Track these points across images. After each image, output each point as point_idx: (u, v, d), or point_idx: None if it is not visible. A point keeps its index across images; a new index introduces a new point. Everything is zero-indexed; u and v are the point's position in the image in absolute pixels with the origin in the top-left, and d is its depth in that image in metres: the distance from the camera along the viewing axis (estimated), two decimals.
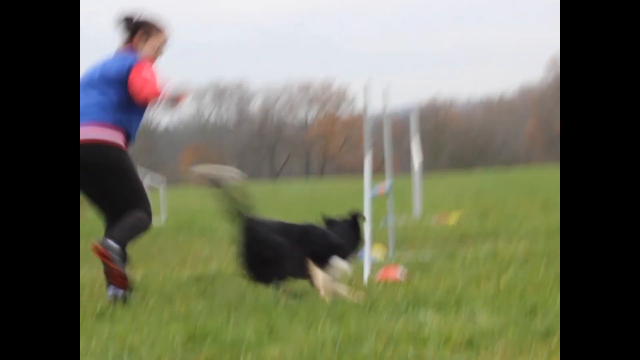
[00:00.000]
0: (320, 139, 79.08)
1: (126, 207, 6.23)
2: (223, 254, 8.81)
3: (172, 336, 4.64)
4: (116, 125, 6.21)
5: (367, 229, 6.76)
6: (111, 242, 5.99)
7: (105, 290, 6.20)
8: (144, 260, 8.64)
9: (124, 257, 6.08)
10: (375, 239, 9.04)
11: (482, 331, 4.36)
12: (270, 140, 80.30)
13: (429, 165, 70.97)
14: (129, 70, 6.24)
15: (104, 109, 6.20)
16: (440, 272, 6.44)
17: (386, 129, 7.90)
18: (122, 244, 6.07)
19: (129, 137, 6.34)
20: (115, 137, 6.20)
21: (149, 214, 6.36)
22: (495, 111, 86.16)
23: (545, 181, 23.64)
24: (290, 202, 21.02)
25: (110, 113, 6.21)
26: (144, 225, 6.32)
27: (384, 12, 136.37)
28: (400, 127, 73.91)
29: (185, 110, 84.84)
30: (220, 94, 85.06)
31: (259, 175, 76.10)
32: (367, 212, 6.86)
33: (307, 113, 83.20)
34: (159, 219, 15.07)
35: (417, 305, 5.14)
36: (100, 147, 6.15)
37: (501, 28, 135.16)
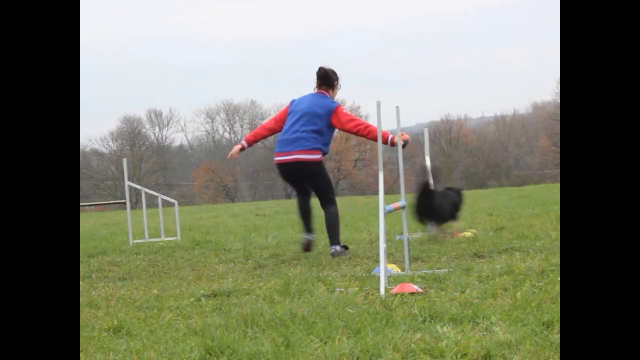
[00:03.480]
0: (333, 156, 79.10)
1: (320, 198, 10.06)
2: (238, 270, 8.83)
3: (189, 351, 4.65)
4: (319, 149, 9.85)
5: (382, 244, 6.77)
6: (335, 248, 9.72)
7: (121, 306, 6.47)
8: (160, 276, 8.66)
9: (344, 247, 9.87)
10: (390, 255, 9.04)
11: (499, 344, 4.36)
12: None
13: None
14: (333, 111, 9.90)
15: (315, 138, 9.83)
16: (456, 286, 6.43)
17: (399, 147, 7.91)
18: (338, 241, 9.82)
19: (325, 153, 9.94)
20: (310, 155, 9.79)
21: (334, 201, 10.02)
22: (508, 127, 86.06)
23: (559, 196, 23.58)
24: None
25: (315, 141, 9.82)
26: (336, 217, 9.96)
27: (393, 34, 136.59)
28: (413, 144, 73.92)
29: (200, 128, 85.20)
30: (233, 112, 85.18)
31: (273, 193, 76.08)
32: (381, 229, 6.86)
33: None
34: (174, 237, 15.09)
35: (434, 318, 5.14)
36: (308, 164, 9.80)
37: (512, 46, 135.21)
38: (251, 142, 10.31)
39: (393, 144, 9.44)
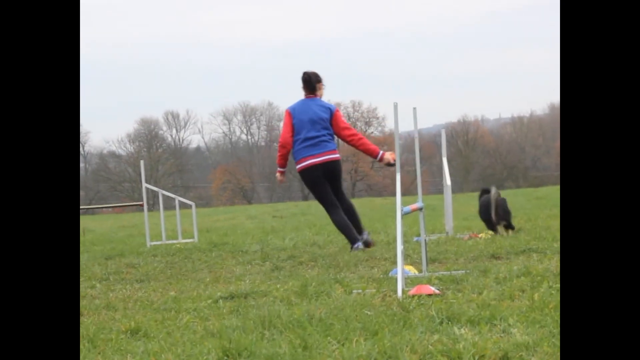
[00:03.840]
0: (350, 158, 79.08)
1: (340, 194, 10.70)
2: (255, 272, 8.83)
3: (206, 353, 4.65)
4: (336, 149, 10.60)
5: (399, 246, 6.76)
6: (366, 234, 10.66)
7: (138, 308, 6.38)
8: (178, 278, 8.67)
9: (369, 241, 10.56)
10: (407, 256, 9.03)
11: (517, 345, 4.34)
12: None
13: (459, 183, 70.85)
14: (333, 114, 10.62)
15: (332, 140, 10.60)
16: (473, 288, 6.41)
17: (417, 148, 7.91)
18: (363, 230, 10.69)
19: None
20: (338, 155, 10.63)
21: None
22: (525, 128, 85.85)
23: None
24: (322, 219, 20.99)
25: (332, 142, 10.61)
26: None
27: (410, 36, 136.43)
28: (430, 145, 73.87)
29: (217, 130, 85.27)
30: (250, 113, 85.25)
31: (290, 195, 76.09)
32: (399, 230, 6.86)
33: None
34: (192, 239, 15.11)
35: (452, 320, 5.12)
36: (338, 163, 10.63)
37: (529, 47, 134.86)
38: (285, 165, 10.93)
39: (382, 160, 10.71)
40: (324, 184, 10.55)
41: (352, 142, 10.74)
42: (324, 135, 10.53)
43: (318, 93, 10.77)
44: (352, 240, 10.47)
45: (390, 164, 10.62)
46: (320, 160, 10.49)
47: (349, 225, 10.53)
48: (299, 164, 10.58)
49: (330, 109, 10.69)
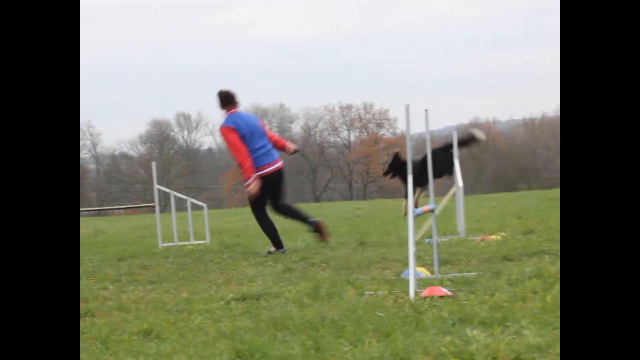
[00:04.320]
0: (362, 159, 79.06)
1: (284, 198, 11.53)
2: (267, 273, 8.83)
3: (219, 354, 4.66)
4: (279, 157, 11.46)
5: (411, 247, 6.75)
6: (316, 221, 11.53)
7: (151, 310, 6.35)
8: (190, 279, 8.68)
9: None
10: (419, 258, 9.02)
11: (529, 347, 4.34)
12: (312, 161, 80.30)
13: (471, 185, 70.72)
14: (260, 123, 11.56)
15: (273, 148, 11.40)
16: (485, 289, 6.41)
17: (428, 150, 7.90)
18: (309, 217, 11.65)
19: None
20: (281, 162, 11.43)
21: None
22: (537, 130, 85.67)
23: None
24: (334, 221, 20.97)
25: (275, 151, 11.47)
26: None
27: (422, 36, 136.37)
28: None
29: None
30: (262, 115, 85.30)
31: (301, 197, 76.09)
32: (410, 232, 6.85)
33: (349, 134, 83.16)
34: (203, 240, 15.12)
35: (464, 321, 5.12)
36: (284, 168, 11.52)
37: (540, 48, 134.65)
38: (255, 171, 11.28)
39: (289, 150, 11.86)
40: (277, 184, 11.42)
41: (276, 143, 11.65)
42: (268, 144, 11.41)
43: (238, 107, 11.44)
44: (278, 245, 11.32)
45: (296, 151, 12.06)
46: (275, 168, 11.37)
47: (276, 231, 11.41)
48: (261, 170, 11.18)
49: (258, 119, 11.74)
